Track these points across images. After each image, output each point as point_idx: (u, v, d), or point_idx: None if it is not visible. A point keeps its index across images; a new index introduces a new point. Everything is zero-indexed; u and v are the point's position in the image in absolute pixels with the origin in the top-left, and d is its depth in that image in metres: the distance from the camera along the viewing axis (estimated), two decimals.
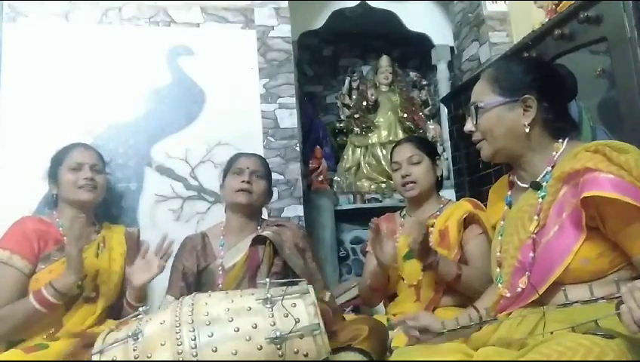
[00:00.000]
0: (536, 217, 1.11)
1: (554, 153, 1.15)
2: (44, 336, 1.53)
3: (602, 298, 0.93)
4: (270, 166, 1.91)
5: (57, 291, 1.48)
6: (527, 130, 1.14)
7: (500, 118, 1.17)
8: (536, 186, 1.15)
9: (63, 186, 1.71)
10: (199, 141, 2.31)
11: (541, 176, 1.16)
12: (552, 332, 0.91)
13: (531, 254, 1.10)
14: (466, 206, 1.74)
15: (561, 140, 1.16)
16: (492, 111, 1.18)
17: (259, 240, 1.71)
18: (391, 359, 1.18)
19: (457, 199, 2.39)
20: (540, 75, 1.18)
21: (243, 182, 1.73)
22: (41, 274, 1.58)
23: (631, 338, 0.86)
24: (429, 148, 1.86)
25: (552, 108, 1.16)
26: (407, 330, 1.23)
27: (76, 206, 1.72)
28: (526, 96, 1.15)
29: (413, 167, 1.79)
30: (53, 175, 1.74)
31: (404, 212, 1.91)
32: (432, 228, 1.73)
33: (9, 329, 1.50)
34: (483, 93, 1.20)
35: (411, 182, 1.78)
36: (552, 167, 1.14)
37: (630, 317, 0.79)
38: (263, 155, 2.06)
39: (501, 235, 1.23)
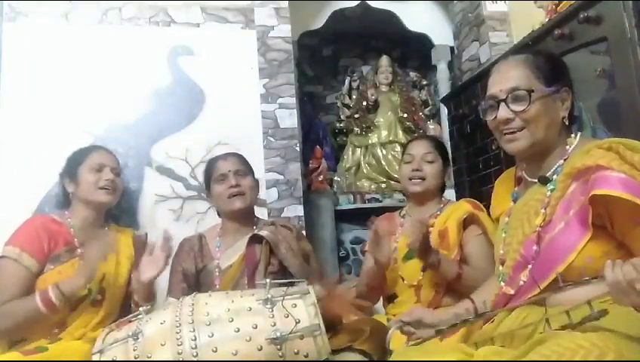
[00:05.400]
0: (542, 210, 1.10)
1: (567, 147, 1.15)
2: (47, 336, 1.53)
3: (595, 278, 0.92)
4: (270, 166, 1.91)
5: (63, 294, 1.47)
6: (566, 122, 1.15)
7: (547, 108, 1.14)
8: (544, 181, 1.14)
9: (82, 186, 1.70)
10: (199, 141, 2.31)
11: (552, 170, 1.14)
12: (549, 322, 0.91)
13: (535, 247, 1.10)
14: (465, 206, 1.74)
15: (573, 135, 1.16)
16: (541, 100, 1.13)
17: (256, 240, 1.70)
18: (391, 359, 1.18)
19: (457, 199, 2.39)
20: (567, 68, 1.19)
21: (232, 187, 1.71)
22: (50, 274, 1.57)
23: (630, 337, 0.86)
24: (443, 152, 1.86)
25: (572, 102, 1.17)
26: (403, 327, 1.22)
27: (92, 207, 1.72)
28: (564, 88, 1.15)
29: (426, 164, 1.78)
30: (71, 174, 1.73)
31: (403, 212, 1.91)
32: (431, 229, 1.73)
33: (10, 325, 1.49)
34: (528, 79, 1.14)
35: (420, 178, 1.78)
36: (565, 159, 1.13)
37: (611, 268, 0.84)
38: (263, 155, 2.06)
39: (505, 232, 1.22)
